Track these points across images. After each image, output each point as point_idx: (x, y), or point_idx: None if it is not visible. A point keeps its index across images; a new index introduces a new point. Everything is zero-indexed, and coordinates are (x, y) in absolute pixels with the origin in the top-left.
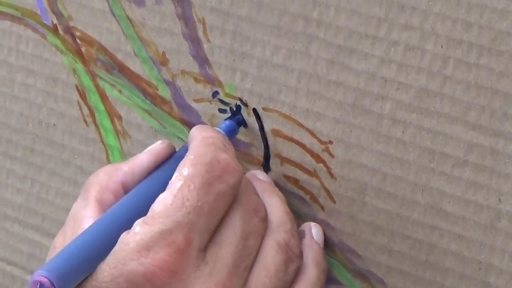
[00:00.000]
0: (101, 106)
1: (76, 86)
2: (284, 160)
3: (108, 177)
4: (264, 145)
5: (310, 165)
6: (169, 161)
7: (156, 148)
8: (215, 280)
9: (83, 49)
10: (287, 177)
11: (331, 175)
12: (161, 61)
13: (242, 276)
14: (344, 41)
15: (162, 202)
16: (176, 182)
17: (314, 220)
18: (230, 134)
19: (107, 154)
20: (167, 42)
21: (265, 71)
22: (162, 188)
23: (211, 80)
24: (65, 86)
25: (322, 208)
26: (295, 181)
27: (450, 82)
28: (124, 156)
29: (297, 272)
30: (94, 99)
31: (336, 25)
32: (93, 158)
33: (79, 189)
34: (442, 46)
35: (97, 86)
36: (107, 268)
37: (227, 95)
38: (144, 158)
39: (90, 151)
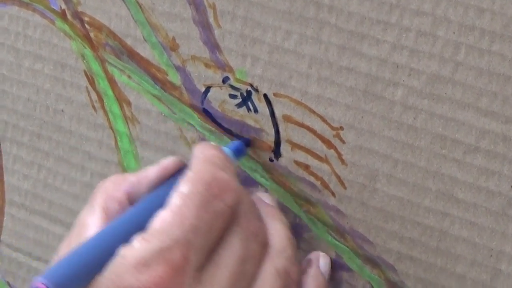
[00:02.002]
0: (110, 92)
1: (85, 72)
2: (295, 146)
3: (115, 186)
4: (275, 131)
5: (321, 151)
6: (175, 177)
7: (166, 162)
8: None
9: (91, 34)
10: (298, 163)
11: (342, 161)
12: (171, 47)
13: None
14: (355, 26)
15: (161, 219)
16: (176, 199)
17: (325, 206)
18: (238, 153)
19: (115, 140)
20: (177, 27)
21: (276, 57)
22: (165, 204)
23: (222, 66)
24: (74, 71)
25: (333, 194)
26: (306, 167)
27: (462, 68)
28: (133, 141)
29: None
30: (102, 84)
31: (347, 10)
32: (101, 144)
33: (86, 175)
34: (454, 32)
35: (106, 71)
36: (104, 281)
37: (237, 80)
38: (153, 171)
39: (98, 137)
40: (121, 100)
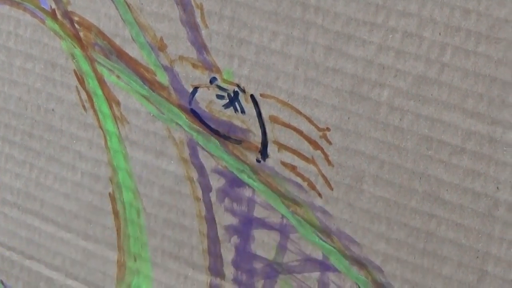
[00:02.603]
0: (99, 91)
1: (75, 71)
2: (281, 146)
3: None
4: (261, 132)
5: (307, 152)
6: None
7: None
8: None
9: (81, 34)
10: (284, 164)
11: (329, 162)
12: (159, 47)
13: None
14: (342, 27)
15: None
16: None
17: (312, 207)
18: None
19: (105, 140)
20: (165, 28)
21: (263, 57)
22: None
23: (209, 66)
24: (64, 71)
25: (320, 195)
26: (293, 168)
27: (448, 69)
28: (122, 141)
29: None
30: (92, 84)
31: (334, 11)
32: (92, 144)
33: (77, 175)
34: (440, 33)
35: (95, 71)
36: None
37: (224, 81)
38: None
39: (88, 137)
40: (111, 100)
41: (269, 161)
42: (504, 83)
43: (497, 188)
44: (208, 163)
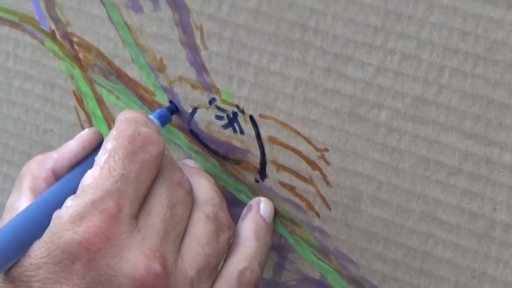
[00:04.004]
0: (98, 112)
1: (74, 92)
2: (280, 167)
3: (39, 165)
4: (260, 152)
5: (306, 172)
6: (98, 149)
7: (85, 135)
8: (149, 245)
9: (80, 55)
10: (283, 184)
11: (327, 182)
12: (159, 68)
13: (175, 244)
14: (340, 49)
15: (91, 176)
16: (102, 156)
17: (310, 227)
18: (162, 121)
19: None
20: (165, 49)
21: (262, 79)
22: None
23: (208, 87)
24: (63, 91)
25: (318, 215)
26: (291, 188)
27: (446, 91)
28: None
29: (234, 243)
30: (91, 104)
31: (333, 33)
32: None
33: None
34: (438, 55)
35: (94, 91)
36: (43, 244)
37: (224, 101)
38: (73, 145)
39: None
40: (109, 120)
41: (268, 181)
42: (501, 104)
43: (494, 208)
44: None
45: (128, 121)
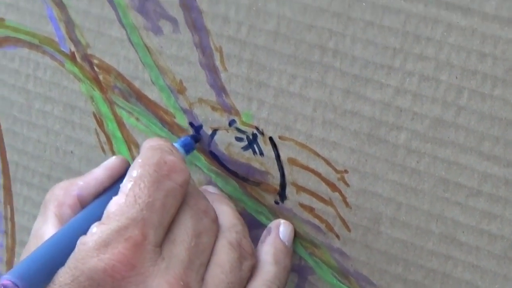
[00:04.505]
0: (119, 134)
1: (94, 114)
2: (300, 188)
3: (65, 192)
4: (280, 174)
5: (325, 194)
6: (124, 176)
7: (111, 163)
8: (173, 274)
9: (100, 77)
10: (303, 206)
11: (347, 204)
12: (179, 89)
13: (199, 272)
14: (359, 70)
15: (116, 203)
16: (127, 183)
17: (330, 248)
18: (186, 149)
19: None
20: (185, 71)
21: (282, 100)
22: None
23: (228, 109)
24: (83, 113)
25: (338, 236)
26: (311, 210)
27: (465, 112)
28: None
29: (254, 269)
30: (111, 126)
31: (352, 55)
32: None
33: None
34: (456, 77)
35: (114, 113)
36: (68, 270)
37: (243, 123)
38: (99, 172)
39: None
40: (130, 142)
41: (288, 203)
42: None
43: None
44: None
45: (154, 148)
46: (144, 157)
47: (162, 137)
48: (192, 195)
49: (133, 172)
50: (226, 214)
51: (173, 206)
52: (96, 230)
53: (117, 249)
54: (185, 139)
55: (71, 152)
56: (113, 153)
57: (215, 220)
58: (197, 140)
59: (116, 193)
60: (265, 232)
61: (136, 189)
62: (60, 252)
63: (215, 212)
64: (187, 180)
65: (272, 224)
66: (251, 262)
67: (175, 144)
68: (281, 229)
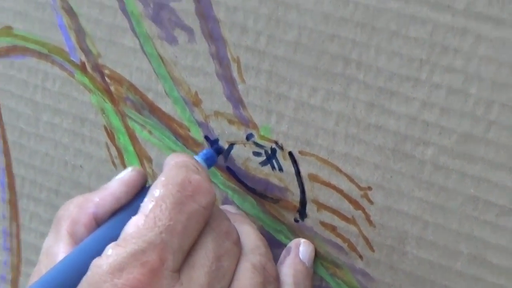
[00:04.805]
0: (130, 147)
1: (105, 127)
2: (321, 206)
3: (79, 209)
4: (300, 190)
5: (348, 211)
6: (143, 192)
7: (127, 176)
8: None
9: (112, 88)
10: (324, 224)
11: (370, 222)
12: (194, 102)
13: None
14: (384, 83)
15: (134, 224)
16: (148, 203)
17: (352, 269)
18: (208, 162)
19: None
20: (200, 82)
21: (302, 113)
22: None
23: (246, 122)
24: (93, 126)
25: (361, 257)
26: (333, 228)
27: (495, 127)
28: None
29: None
30: (123, 139)
31: (376, 66)
32: None
33: None
34: (486, 90)
35: (126, 126)
36: None
37: (262, 137)
38: (116, 188)
39: None
40: (142, 156)
41: (308, 221)
42: None
43: None
44: None
45: (178, 166)
46: (168, 176)
47: (183, 152)
48: (215, 216)
49: (155, 192)
50: (249, 235)
51: (196, 229)
52: (111, 253)
53: (132, 275)
54: (207, 152)
55: (80, 166)
56: (125, 168)
57: (237, 242)
58: (219, 153)
59: (134, 212)
60: (284, 252)
61: (157, 210)
62: (73, 274)
63: (237, 234)
64: (212, 202)
65: (292, 244)
66: (275, 287)
67: (197, 158)
68: (301, 249)
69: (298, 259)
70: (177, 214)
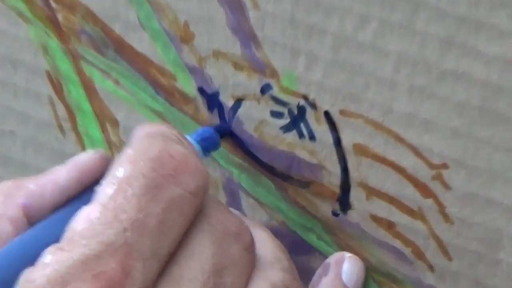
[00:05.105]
0: (87, 105)
1: (47, 73)
2: (371, 192)
3: (5, 198)
4: (341, 169)
5: (413, 201)
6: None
7: (84, 158)
8: None
9: (59, 17)
10: (376, 219)
11: (446, 217)
12: (182, 37)
13: None
14: (468, 9)
15: (85, 217)
16: (106, 187)
17: (419, 285)
18: (205, 145)
19: None
20: (192, 8)
21: (345, 54)
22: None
23: (260, 67)
24: (30, 72)
25: (431, 267)
26: (390, 226)
27: None
28: None
29: None
30: (75, 93)
31: None
32: None
33: None
34: None
35: (80, 73)
36: None
37: (284, 90)
38: (62, 173)
39: None
40: (104, 118)
41: (353, 215)
42: None
43: None
44: (256, 218)
45: (154, 136)
46: (138, 148)
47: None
48: (216, 208)
49: (118, 171)
50: (265, 242)
51: (178, 225)
52: (50, 260)
53: None
54: (205, 131)
55: (10, 132)
56: (77, 135)
57: (250, 249)
58: (223, 133)
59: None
60: (320, 270)
61: (120, 197)
62: None
63: (251, 236)
64: (204, 185)
65: (332, 260)
66: None
67: (188, 137)
68: (345, 267)
69: (339, 281)
70: (149, 204)
